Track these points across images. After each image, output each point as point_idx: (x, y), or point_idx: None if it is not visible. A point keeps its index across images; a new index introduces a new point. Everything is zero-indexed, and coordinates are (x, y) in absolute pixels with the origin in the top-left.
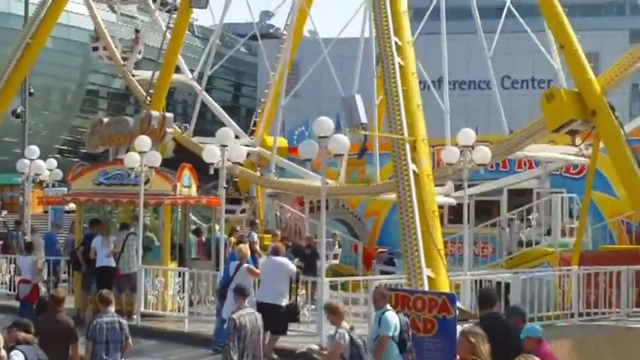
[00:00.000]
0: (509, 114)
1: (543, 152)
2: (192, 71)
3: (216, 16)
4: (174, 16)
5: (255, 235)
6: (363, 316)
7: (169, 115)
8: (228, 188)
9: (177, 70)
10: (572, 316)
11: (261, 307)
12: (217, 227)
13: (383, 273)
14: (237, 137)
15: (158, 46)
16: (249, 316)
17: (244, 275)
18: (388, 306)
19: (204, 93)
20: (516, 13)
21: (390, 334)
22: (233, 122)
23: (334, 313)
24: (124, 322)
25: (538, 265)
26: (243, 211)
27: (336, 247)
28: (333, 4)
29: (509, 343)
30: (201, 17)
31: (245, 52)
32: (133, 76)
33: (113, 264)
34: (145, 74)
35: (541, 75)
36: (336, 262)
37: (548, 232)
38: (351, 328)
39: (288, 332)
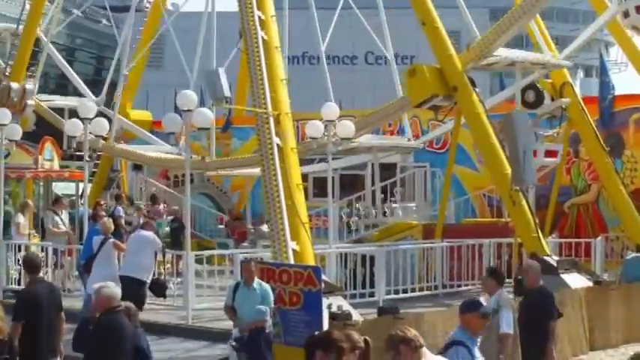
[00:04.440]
0: (373, 89)
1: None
2: (56, 44)
3: None
4: None
5: (120, 210)
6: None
7: (30, 87)
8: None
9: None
10: (436, 288)
11: (123, 280)
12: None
13: None
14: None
15: (17, 16)
16: None
17: (110, 250)
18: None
19: (50, 45)
20: None
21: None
22: (82, 83)
23: None
24: None
25: (402, 238)
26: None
27: None
28: None
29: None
30: None
31: (107, 25)
32: None
33: None
34: None
35: (404, 51)
36: None
37: None
38: None
39: (155, 307)
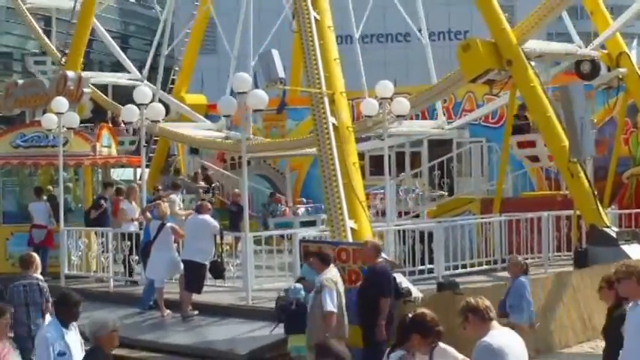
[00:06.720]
0: (426, 65)
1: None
2: (110, 32)
3: None
4: None
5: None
6: (288, 269)
7: (86, 75)
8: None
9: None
10: (495, 262)
11: (186, 264)
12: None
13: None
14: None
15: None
16: None
17: (168, 234)
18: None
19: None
20: None
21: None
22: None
23: None
24: (44, 284)
25: (460, 213)
26: (207, 191)
27: None
28: None
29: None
30: None
31: (161, 11)
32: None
33: None
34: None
35: (457, 26)
36: None
37: None
38: None
39: (214, 288)
